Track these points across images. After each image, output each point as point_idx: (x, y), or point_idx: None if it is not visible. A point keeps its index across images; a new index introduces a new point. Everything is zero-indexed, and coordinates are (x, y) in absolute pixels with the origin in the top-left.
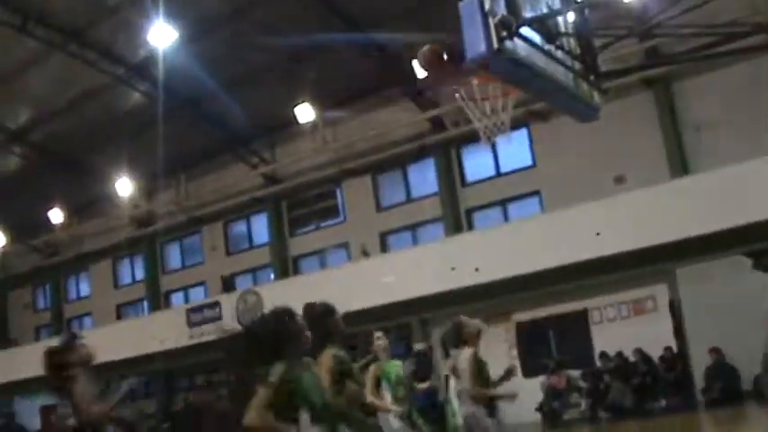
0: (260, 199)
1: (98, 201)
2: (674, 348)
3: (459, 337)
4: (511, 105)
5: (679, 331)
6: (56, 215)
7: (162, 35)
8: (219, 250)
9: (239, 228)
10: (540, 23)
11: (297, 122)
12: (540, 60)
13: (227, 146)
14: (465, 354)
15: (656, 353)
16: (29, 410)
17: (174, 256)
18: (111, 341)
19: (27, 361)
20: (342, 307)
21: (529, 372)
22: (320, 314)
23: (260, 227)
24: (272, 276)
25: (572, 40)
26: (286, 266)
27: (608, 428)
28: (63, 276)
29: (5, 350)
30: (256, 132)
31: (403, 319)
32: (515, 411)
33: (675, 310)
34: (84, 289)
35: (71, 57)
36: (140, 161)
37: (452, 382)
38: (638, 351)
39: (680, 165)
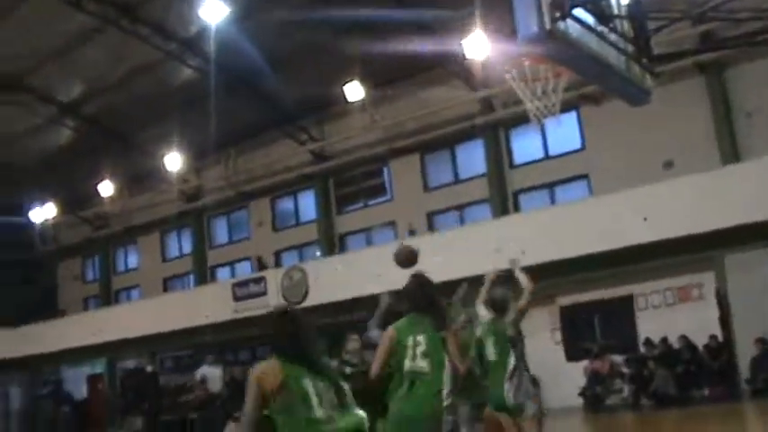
0: (308, 176)
1: (148, 175)
2: (720, 337)
3: None
4: (562, 87)
5: (725, 320)
6: (106, 188)
7: (214, 11)
8: (266, 226)
9: (286, 204)
10: (593, 4)
11: (346, 100)
12: (592, 42)
13: (277, 122)
14: None
15: (701, 341)
16: (76, 379)
17: (221, 230)
18: (157, 314)
19: (75, 331)
20: (388, 285)
21: (572, 356)
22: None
23: (307, 204)
24: (318, 253)
25: (625, 23)
26: (332, 244)
27: (650, 415)
28: (112, 248)
29: (54, 320)
30: (305, 109)
31: (446, 300)
32: (557, 395)
33: (722, 298)
34: (132, 261)
35: (124, 32)
36: (190, 136)
37: None
38: (683, 338)
39: (730, 151)
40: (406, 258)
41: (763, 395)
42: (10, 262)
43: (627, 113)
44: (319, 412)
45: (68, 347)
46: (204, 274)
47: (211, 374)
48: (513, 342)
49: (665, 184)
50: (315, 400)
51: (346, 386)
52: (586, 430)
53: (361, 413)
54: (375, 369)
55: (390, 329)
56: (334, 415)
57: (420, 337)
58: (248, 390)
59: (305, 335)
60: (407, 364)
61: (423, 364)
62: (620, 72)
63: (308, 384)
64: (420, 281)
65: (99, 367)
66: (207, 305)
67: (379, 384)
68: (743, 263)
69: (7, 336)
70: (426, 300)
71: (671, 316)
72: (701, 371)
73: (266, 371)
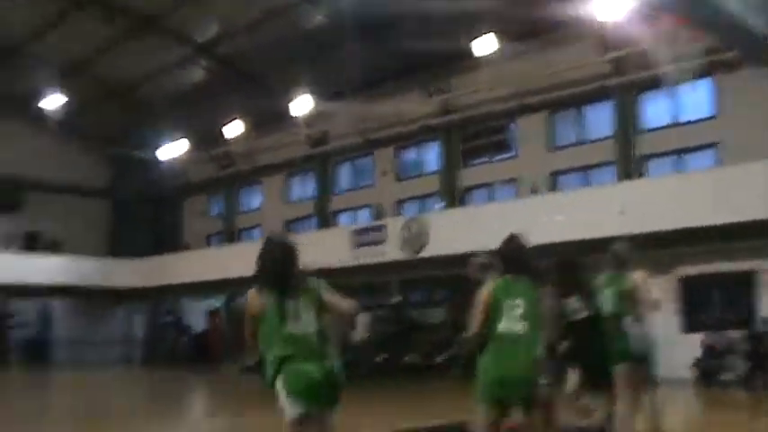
0: (433, 127)
1: (276, 117)
2: None
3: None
4: (698, 52)
5: None
6: (234, 128)
7: None
8: (389, 175)
9: (411, 154)
10: None
11: (475, 55)
12: (735, 6)
13: (405, 73)
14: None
15: None
16: (196, 312)
17: (344, 176)
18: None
19: (197, 266)
20: None
21: (688, 327)
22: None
23: (431, 155)
24: (439, 205)
25: None
26: (454, 196)
27: (764, 395)
28: (236, 188)
29: (178, 254)
30: (435, 61)
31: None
32: (670, 366)
33: None
34: (256, 202)
35: None
36: (319, 81)
37: None
38: None
39: None
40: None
41: None
42: (140, 196)
43: (763, 83)
44: (294, 328)
45: (191, 281)
46: (326, 219)
47: None
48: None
49: None
50: (290, 319)
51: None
52: (697, 403)
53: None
54: (474, 328)
55: (487, 290)
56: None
57: (518, 300)
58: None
59: (289, 260)
60: (503, 325)
61: (519, 326)
62: (761, 40)
63: (284, 305)
64: (516, 244)
65: (218, 302)
66: (326, 250)
67: (478, 342)
68: None
69: (135, 266)
70: (521, 262)
71: None
72: None
73: (252, 296)
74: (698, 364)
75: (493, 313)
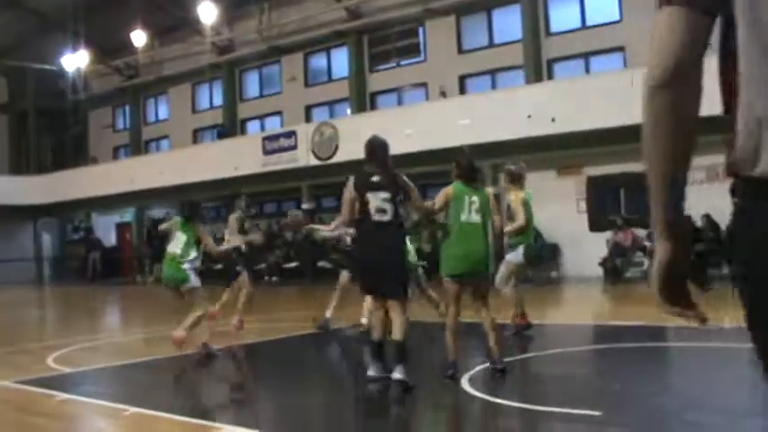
0: (341, 32)
1: (181, 25)
2: None
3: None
4: None
5: None
6: (138, 37)
7: None
8: (298, 81)
9: (319, 60)
10: None
11: None
12: None
13: None
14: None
15: (724, 221)
16: (105, 227)
17: (252, 84)
18: (187, 164)
19: (105, 179)
20: (417, 146)
21: (596, 226)
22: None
23: (340, 61)
24: (349, 110)
25: None
26: (363, 101)
27: None
28: (142, 99)
29: (85, 167)
30: None
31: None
32: (578, 264)
33: None
34: (163, 112)
35: None
36: None
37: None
38: (707, 217)
39: None
40: (295, 225)
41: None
42: (41, 109)
43: None
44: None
45: (99, 195)
46: (234, 127)
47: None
48: None
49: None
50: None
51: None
52: (604, 299)
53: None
54: (437, 205)
55: (450, 187)
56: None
57: (474, 197)
58: None
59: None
60: (464, 216)
61: (476, 217)
62: None
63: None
64: (467, 158)
65: (128, 216)
66: (236, 158)
67: (434, 215)
68: None
69: (39, 182)
70: (473, 171)
71: (697, 194)
72: (722, 250)
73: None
74: (604, 262)
75: (457, 207)
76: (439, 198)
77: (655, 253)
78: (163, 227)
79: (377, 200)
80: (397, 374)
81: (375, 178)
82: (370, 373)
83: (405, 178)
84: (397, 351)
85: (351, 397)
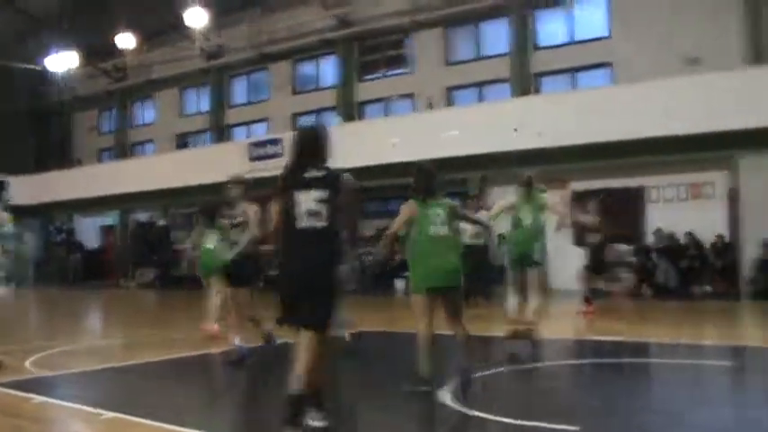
0: (330, 41)
1: (170, 29)
2: (727, 236)
3: None
4: None
5: (734, 220)
6: (127, 40)
7: None
8: (286, 89)
9: (307, 68)
10: None
11: None
12: None
13: None
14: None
15: (707, 239)
16: (89, 229)
17: (240, 90)
18: (172, 169)
19: (90, 181)
20: (403, 156)
21: (580, 241)
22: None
23: (328, 69)
24: (337, 119)
25: None
26: (351, 111)
27: (650, 305)
28: (129, 102)
29: (70, 170)
30: None
31: (462, 174)
32: (562, 277)
33: (733, 198)
34: (149, 116)
35: None
36: None
37: None
38: (690, 234)
39: (757, 53)
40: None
41: (763, 296)
42: (26, 110)
43: (656, 5)
44: None
45: (83, 197)
46: (220, 133)
47: None
48: None
49: (688, 79)
50: None
51: None
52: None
53: None
54: (394, 228)
55: (411, 202)
56: None
57: (438, 210)
58: None
59: None
60: (432, 229)
61: (443, 229)
62: None
63: None
64: (425, 173)
65: (112, 219)
66: (222, 163)
67: (393, 240)
68: (757, 165)
69: (24, 182)
70: (432, 185)
71: (681, 212)
72: (705, 267)
73: None
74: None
75: (422, 221)
76: (400, 218)
77: None
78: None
79: (309, 200)
80: (313, 422)
81: (309, 174)
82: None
83: (350, 182)
84: (311, 399)
85: (336, 411)
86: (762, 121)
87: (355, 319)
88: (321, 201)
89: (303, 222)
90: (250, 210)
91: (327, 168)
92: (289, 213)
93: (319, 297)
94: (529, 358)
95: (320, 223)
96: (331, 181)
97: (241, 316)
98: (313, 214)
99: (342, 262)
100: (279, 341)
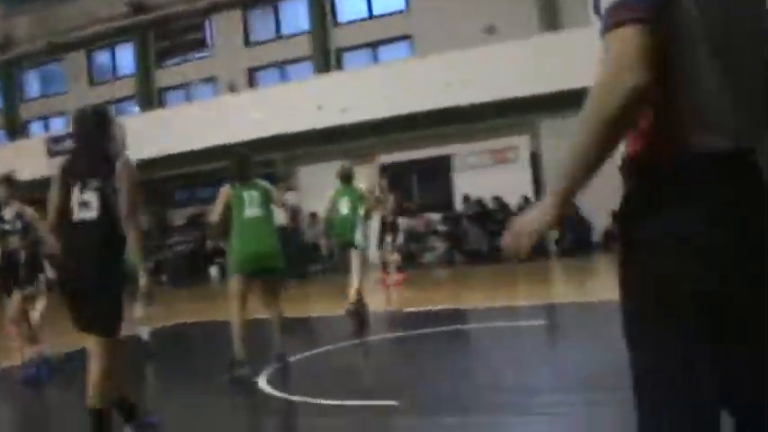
0: (125, 28)
1: None
2: (532, 198)
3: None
4: None
5: (537, 182)
6: None
7: None
8: (82, 80)
9: (103, 57)
10: None
11: None
12: None
13: None
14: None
15: (514, 202)
16: None
17: (33, 84)
18: None
19: None
20: (207, 141)
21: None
22: None
23: (125, 57)
24: (137, 108)
25: None
26: (151, 98)
27: (464, 271)
28: None
29: None
30: None
31: (268, 155)
32: (373, 251)
33: (535, 161)
34: None
35: None
36: None
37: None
38: (497, 199)
39: (551, 20)
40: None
41: (569, 254)
42: None
43: None
44: None
45: None
46: (15, 129)
47: None
48: None
49: (486, 48)
50: None
51: None
52: (402, 287)
53: None
54: (215, 216)
55: (226, 188)
56: None
57: (253, 192)
58: None
59: None
60: (247, 212)
61: (258, 211)
62: None
63: None
64: (238, 158)
65: None
66: (19, 161)
67: (220, 228)
68: (556, 128)
69: None
70: (247, 169)
71: (486, 177)
72: None
73: None
74: (400, 248)
75: (238, 204)
76: (218, 206)
77: (533, 211)
78: None
79: (81, 191)
80: None
81: (83, 161)
82: None
83: (127, 163)
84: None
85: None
86: (559, 86)
87: (152, 317)
88: (94, 189)
89: (76, 215)
90: (26, 212)
91: (102, 154)
92: (65, 207)
93: (96, 297)
94: (349, 336)
95: (90, 214)
96: (104, 167)
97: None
98: (84, 205)
99: (121, 255)
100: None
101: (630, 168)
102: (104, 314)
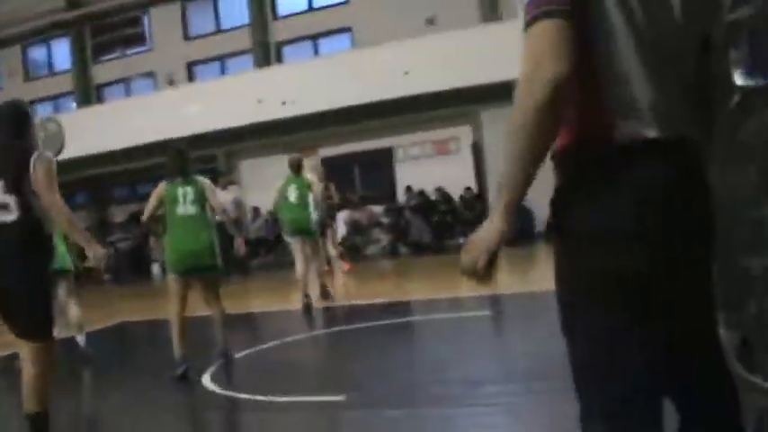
0: (61, 23)
1: None
2: (475, 189)
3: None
4: None
5: (480, 172)
6: None
7: None
8: (17, 76)
9: (39, 53)
10: None
11: None
12: None
13: None
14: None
15: (456, 192)
16: None
17: None
18: None
19: None
20: (146, 136)
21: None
22: None
23: (61, 53)
24: (74, 105)
25: None
26: (89, 94)
27: (408, 263)
28: None
29: None
30: None
31: (209, 150)
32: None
33: (477, 151)
34: None
35: None
36: None
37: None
38: (439, 190)
39: (491, 10)
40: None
41: (511, 244)
42: None
43: None
44: None
45: None
46: None
47: None
48: None
49: (427, 39)
50: None
51: None
52: (345, 278)
53: None
54: (147, 214)
55: (162, 184)
56: None
57: (188, 188)
58: None
59: None
60: (180, 209)
61: (192, 208)
62: None
63: None
64: (178, 151)
65: None
66: None
67: (153, 225)
68: (498, 118)
69: None
70: (184, 165)
71: (429, 168)
72: (456, 220)
73: None
74: (343, 241)
75: (171, 202)
76: (151, 202)
77: (485, 228)
78: None
79: None
80: None
81: None
82: None
83: (43, 157)
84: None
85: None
86: (499, 76)
87: (83, 318)
88: (10, 190)
89: None
90: None
91: (18, 151)
92: None
93: (24, 304)
94: (293, 331)
95: (10, 216)
96: (21, 165)
97: None
98: (2, 207)
99: (48, 257)
100: None
101: (560, 160)
102: (34, 320)
